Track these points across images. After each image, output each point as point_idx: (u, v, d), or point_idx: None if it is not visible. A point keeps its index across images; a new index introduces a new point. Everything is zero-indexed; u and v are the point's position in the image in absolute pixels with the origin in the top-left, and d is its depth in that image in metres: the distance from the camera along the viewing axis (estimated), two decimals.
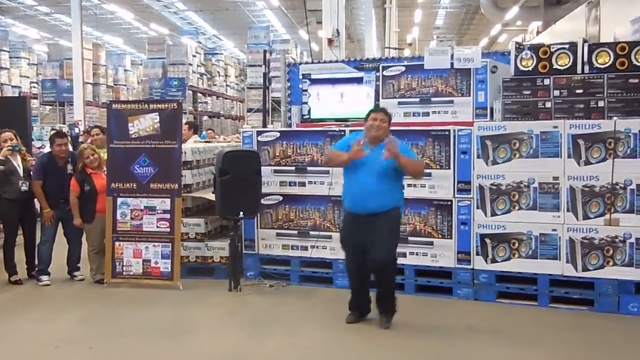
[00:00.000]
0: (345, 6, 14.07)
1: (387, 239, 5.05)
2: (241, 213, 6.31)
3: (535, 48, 6.33)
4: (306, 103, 7.41)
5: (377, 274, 5.16)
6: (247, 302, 6.05)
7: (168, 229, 6.53)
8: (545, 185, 5.68)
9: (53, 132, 7.57)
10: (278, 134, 6.73)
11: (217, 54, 23.78)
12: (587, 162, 5.55)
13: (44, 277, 6.67)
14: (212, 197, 6.68)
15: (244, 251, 6.74)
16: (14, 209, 6.73)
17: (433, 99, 6.61)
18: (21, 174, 6.68)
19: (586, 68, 6.08)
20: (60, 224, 6.85)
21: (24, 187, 6.65)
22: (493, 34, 30.36)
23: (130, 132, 6.62)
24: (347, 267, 5.40)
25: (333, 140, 6.39)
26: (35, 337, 5.08)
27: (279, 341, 4.96)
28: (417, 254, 6.09)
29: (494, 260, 5.86)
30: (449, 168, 5.98)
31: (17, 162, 6.73)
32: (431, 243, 6.06)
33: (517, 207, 5.78)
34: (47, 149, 8.34)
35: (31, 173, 6.74)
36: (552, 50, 6.19)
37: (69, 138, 9.05)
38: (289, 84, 8.85)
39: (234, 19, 27.00)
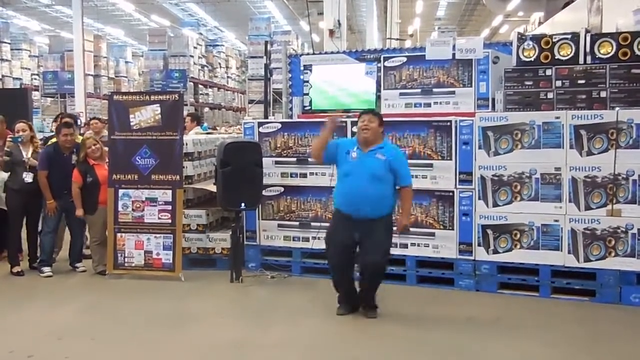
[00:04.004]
0: None
1: (384, 243, 5.06)
2: (242, 204, 6.31)
3: (537, 38, 6.29)
4: (307, 94, 7.40)
5: (370, 276, 5.12)
6: (248, 293, 6.06)
7: (169, 221, 6.54)
8: (547, 176, 5.67)
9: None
10: (279, 125, 6.72)
11: (218, 45, 23.68)
12: (589, 153, 5.54)
13: (46, 269, 6.67)
14: (213, 188, 6.68)
15: (245, 242, 6.74)
16: (20, 200, 6.73)
17: (435, 90, 6.58)
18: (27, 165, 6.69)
19: (588, 58, 6.05)
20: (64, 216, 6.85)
21: (28, 179, 6.65)
22: (494, 25, 30.24)
23: (132, 124, 6.61)
24: (331, 264, 5.30)
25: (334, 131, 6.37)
26: (37, 328, 5.09)
27: (280, 332, 4.97)
28: (418, 245, 6.10)
29: (495, 251, 5.86)
30: (451, 159, 5.97)
31: (27, 154, 6.73)
32: (433, 234, 6.06)
33: (518, 198, 5.77)
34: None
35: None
36: (554, 40, 6.16)
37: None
38: (290, 75, 8.82)
39: (235, 11, 26.90)
